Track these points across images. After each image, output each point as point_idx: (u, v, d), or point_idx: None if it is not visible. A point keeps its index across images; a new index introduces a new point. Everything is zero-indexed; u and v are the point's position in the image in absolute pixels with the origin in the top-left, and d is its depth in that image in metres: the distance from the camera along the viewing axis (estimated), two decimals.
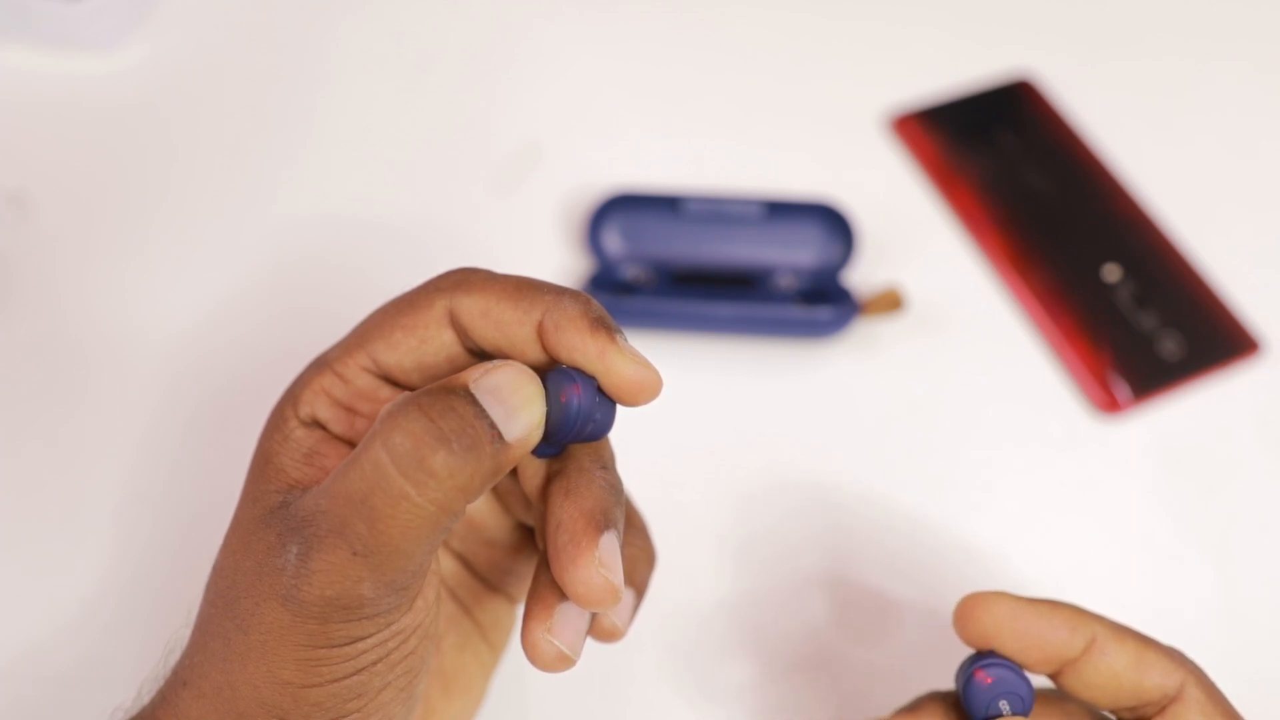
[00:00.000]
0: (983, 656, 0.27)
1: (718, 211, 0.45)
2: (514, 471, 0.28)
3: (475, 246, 0.46)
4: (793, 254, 0.45)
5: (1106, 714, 0.28)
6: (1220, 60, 0.55)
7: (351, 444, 0.26)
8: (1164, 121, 0.52)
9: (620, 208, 0.45)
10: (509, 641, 0.32)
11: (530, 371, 0.23)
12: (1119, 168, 0.50)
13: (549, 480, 0.25)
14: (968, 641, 0.28)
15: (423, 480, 0.21)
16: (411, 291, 0.25)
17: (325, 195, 0.48)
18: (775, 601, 0.38)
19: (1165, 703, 0.26)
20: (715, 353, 0.44)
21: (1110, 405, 0.42)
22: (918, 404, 0.43)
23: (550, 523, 0.24)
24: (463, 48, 0.54)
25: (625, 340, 0.24)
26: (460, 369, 0.25)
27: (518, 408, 0.23)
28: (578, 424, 0.23)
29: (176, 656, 0.25)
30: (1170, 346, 0.44)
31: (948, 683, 0.29)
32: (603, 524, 0.23)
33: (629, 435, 0.31)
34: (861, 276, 0.46)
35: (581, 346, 0.23)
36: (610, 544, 0.23)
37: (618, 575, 0.23)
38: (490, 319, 0.24)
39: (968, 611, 0.27)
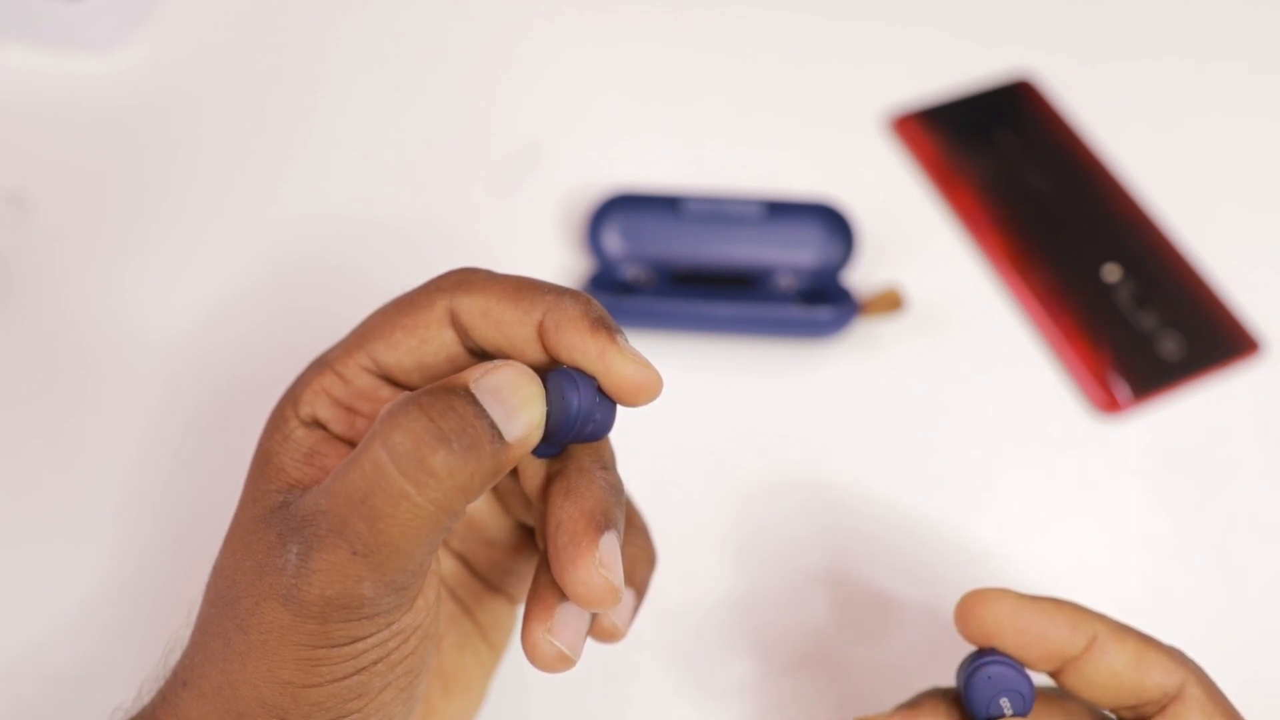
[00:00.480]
0: (984, 654, 0.27)
1: (718, 211, 0.45)
2: (514, 471, 0.28)
3: (475, 246, 0.46)
4: (793, 254, 0.45)
5: (1107, 713, 0.28)
6: (1220, 60, 0.55)
7: (352, 444, 0.26)
8: (1164, 121, 0.52)
9: (620, 208, 0.45)
10: (509, 641, 0.32)
11: (530, 371, 0.23)
12: (1119, 168, 0.50)
13: (549, 480, 0.25)
14: (969, 638, 0.28)
15: (423, 480, 0.21)
16: (412, 292, 0.25)
17: (325, 195, 0.48)
18: (775, 601, 0.38)
19: (1166, 702, 0.26)
20: (715, 353, 0.44)
21: (1110, 405, 0.42)
22: (918, 404, 0.43)
23: (550, 523, 0.24)
24: (463, 48, 0.54)
25: (626, 341, 0.24)
26: (460, 369, 0.25)
27: (517, 407, 0.23)
28: (577, 424, 0.23)
29: (176, 656, 0.25)
30: (1170, 346, 0.44)
31: (946, 680, 0.29)
32: (603, 524, 0.23)
33: (629, 435, 0.31)
34: (861, 276, 0.46)
35: (582, 346, 0.23)
36: (610, 544, 0.23)
37: (618, 576, 0.23)
38: (491, 319, 0.24)
39: (969, 608, 0.27)
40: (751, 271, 0.45)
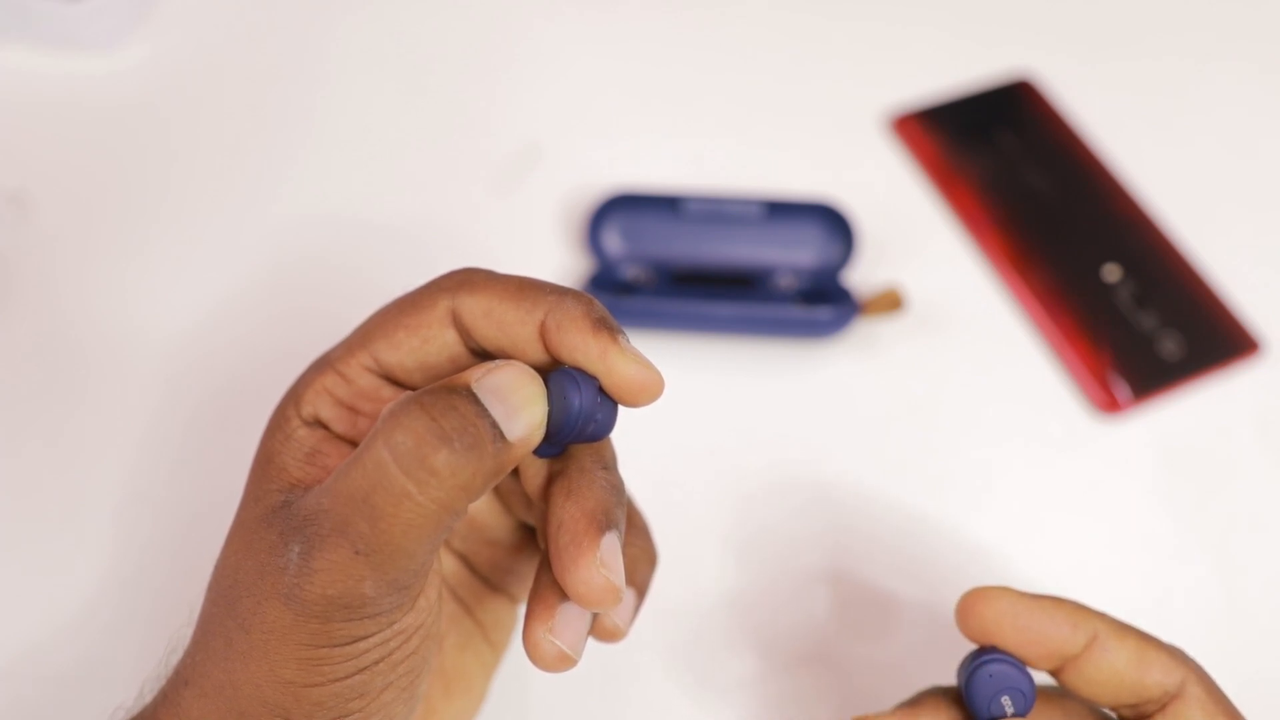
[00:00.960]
0: (985, 652, 0.27)
1: (718, 211, 0.45)
2: (515, 471, 0.28)
3: (475, 246, 0.46)
4: (793, 254, 0.45)
5: (1107, 712, 0.28)
6: (1220, 60, 0.55)
7: (354, 444, 0.26)
8: (1164, 121, 0.52)
9: (620, 208, 0.45)
10: (510, 641, 0.32)
11: (531, 371, 0.23)
12: (1119, 168, 0.50)
13: (550, 480, 0.25)
14: (970, 636, 0.28)
15: (424, 479, 0.21)
16: (414, 291, 0.25)
17: (325, 195, 0.48)
18: (775, 600, 0.38)
19: (1166, 700, 0.26)
20: (715, 353, 0.44)
21: (1110, 405, 0.42)
22: (918, 404, 0.43)
23: (551, 523, 0.24)
24: (463, 48, 0.54)
25: (628, 341, 0.24)
26: (462, 369, 0.25)
27: (519, 407, 0.23)
28: (579, 424, 0.23)
29: (178, 656, 0.25)
30: (1170, 346, 0.44)
31: (946, 679, 0.29)
32: (604, 524, 0.23)
33: (629, 435, 0.31)
34: (861, 276, 0.46)
35: (583, 346, 0.23)
36: (611, 544, 0.23)
37: (619, 575, 0.23)
38: (493, 319, 0.24)
39: (970, 606, 0.27)
40: (751, 271, 0.45)
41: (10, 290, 0.44)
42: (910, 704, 0.28)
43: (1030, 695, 0.26)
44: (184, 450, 0.40)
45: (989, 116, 0.52)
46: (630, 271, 0.45)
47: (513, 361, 0.24)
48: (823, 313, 0.42)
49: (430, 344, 0.25)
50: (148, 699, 0.25)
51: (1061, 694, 0.29)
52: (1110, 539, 0.40)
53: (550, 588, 0.24)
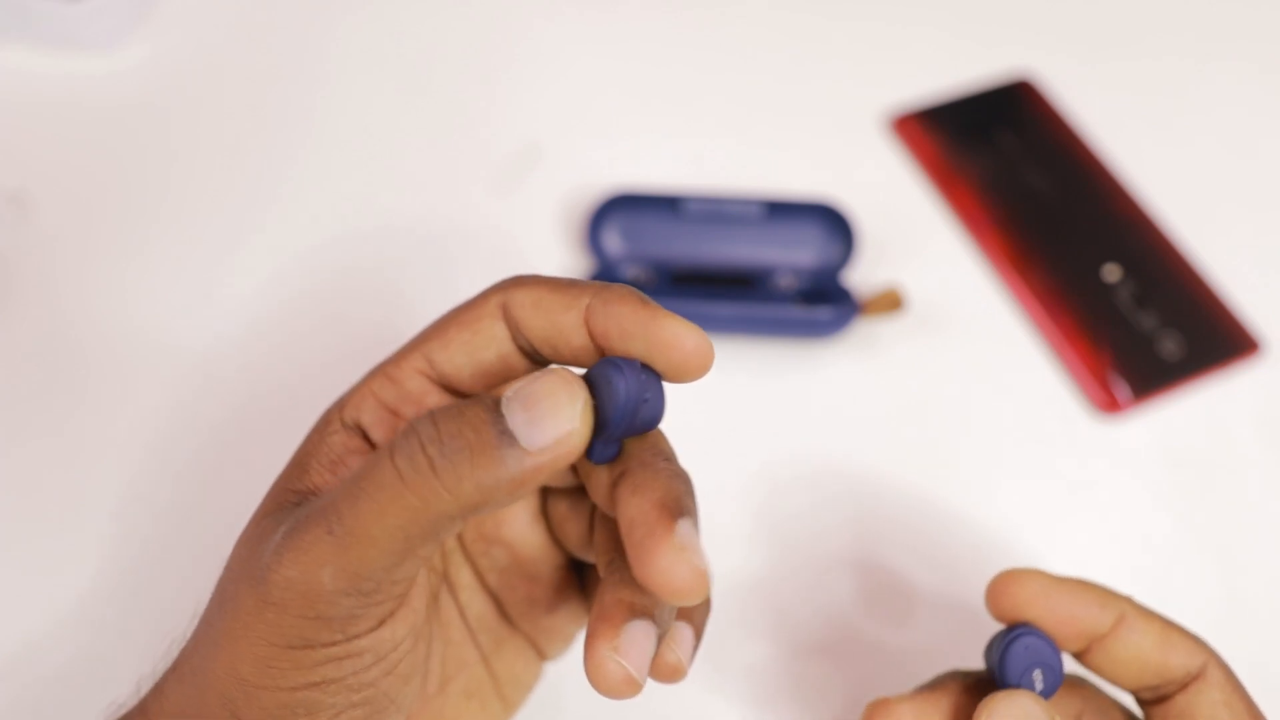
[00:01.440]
0: (1018, 627, 0.28)
1: (718, 211, 0.45)
2: (573, 499, 0.28)
3: (475, 246, 0.46)
4: (793, 254, 0.45)
5: (1132, 711, 0.29)
6: (1220, 60, 0.55)
7: None
8: (1164, 121, 0.52)
9: (620, 208, 0.45)
10: (525, 701, 0.30)
11: (572, 379, 0.22)
12: (1119, 168, 0.50)
13: (615, 485, 0.23)
14: (999, 617, 0.28)
15: (410, 473, 0.21)
16: (470, 298, 0.25)
17: (325, 195, 0.48)
18: (775, 599, 0.38)
19: (1187, 681, 0.27)
20: (715, 352, 0.44)
21: (1110, 405, 0.42)
22: (917, 404, 0.43)
23: (624, 524, 0.22)
24: (463, 48, 0.54)
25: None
26: (512, 369, 0.25)
27: (544, 414, 0.21)
28: (630, 408, 0.22)
29: (178, 650, 0.25)
30: (1170, 346, 0.44)
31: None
32: (676, 510, 0.22)
33: None
34: (861, 276, 0.46)
35: (631, 315, 0.23)
36: (688, 529, 0.22)
37: (701, 559, 0.21)
38: (541, 308, 0.24)
39: (1003, 587, 0.28)
40: (751, 271, 0.45)
41: (10, 290, 0.44)
42: (929, 687, 0.28)
43: (1058, 675, 0.27)
44: (184, 450, 0.40)
45: (989, 116, 0.52)
46: (630, 271, 0.45)
47: (553, 370, 0.22)
48: (823, 313, 0.42)
49: (479, 336, 0.24)
50: (144, 695, 0.25)
51: (1081, 683, 0.29)
52: (1110, 539, 0.40)
53: (616, 605, 0.23)
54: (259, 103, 0.51)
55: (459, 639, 0.29)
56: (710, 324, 0.43)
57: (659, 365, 0.23)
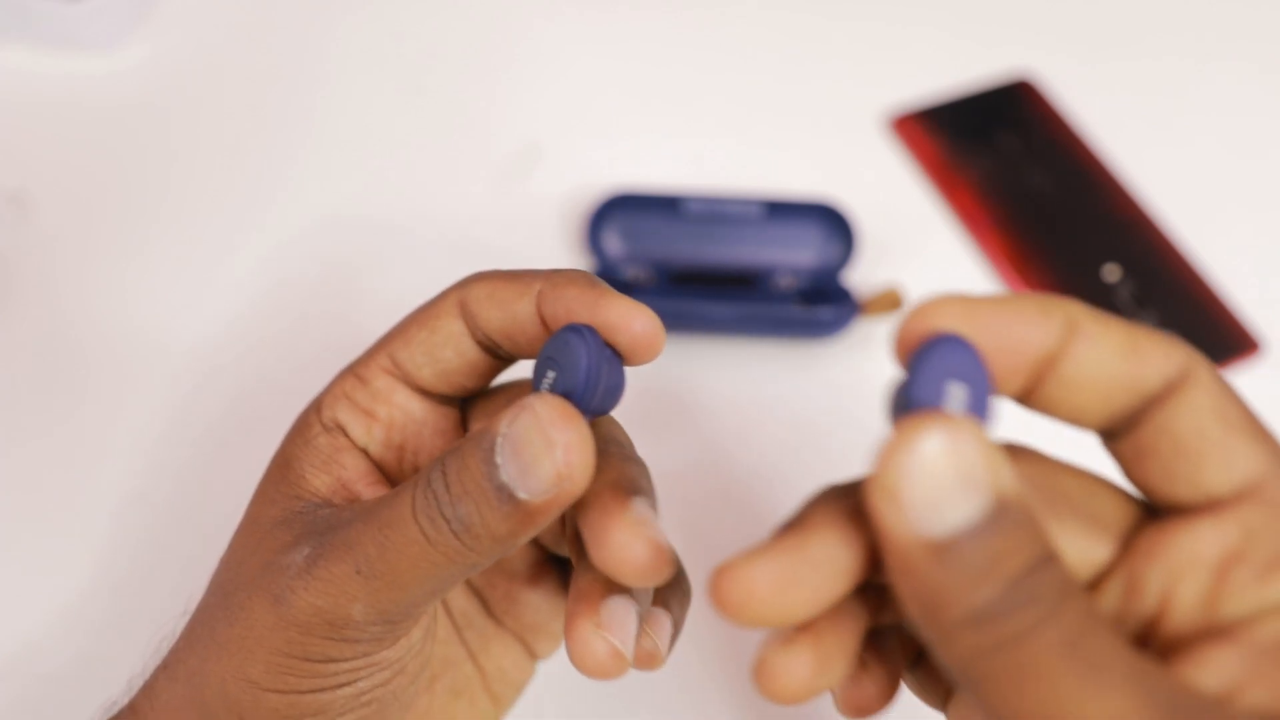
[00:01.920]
0: (929, 341, 0.20)
1: (717, 211, 0.45)
2: None
3: (475, 246, 0.46)
4: (792, 254, 0.45)
5: (1111, 480, 0.24)
6: (1220, 60, 0.55)
7: (368, 452, 0.26)
8: (1164, 121, 0.52)
9: (620, 208, 0.45)
10: (516, 699, 0.30)
11: (559, 412, 0.21)
12: (1119, 168, 0.50)
13: None
14: (904, 358, 0.21)
15: (434, 535, 0.21)
16: (433, 296, 0.26)
17: (325, 195, 0.48)
18: None
19: (1166, 394, 0.20)
20: (715, 353, 0.44)
21: None
22: None
23: (579, 509, 0.22)
24: (463, 48, 0.54)
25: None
26: (473, 364, 0.25)
27: (531, 463, 0.21)
28: (595, 376, 0.22)
29: (169, 645, 0.25)
30: None
31: None
32: (629, 489, 0.22)
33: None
34: (861, 276, 0.46)
35: (579, 296, 0.23)
36: (643, 506, 0.22)
37: (659, 534, 0.21)
38: (495, 300, 0.24)
39: (914, 323, 0.21)
40: (751, 271, 0.45)
41: (10, 290, 0.44)
42: (797, 523, 0.21)
43: (984, 393, 0.20)
44: (183, 450, 0.40)
45: (989, 116, 0.52)
46: (630, 271, 0.45)
47: (534, 401, 0.21)
48: (823, 313, 0.42)
49: (437, 335, 0.25)
50: (135, 694, 0.25)
51: (1040, 457, 0.23)
52: None
53: (592, 584, 0.23)
54: (259, 103, 0.51)
55: (445, 636, 0.29)
56: (710, 324, 0.43)
57: (612, 341, 0.23)
